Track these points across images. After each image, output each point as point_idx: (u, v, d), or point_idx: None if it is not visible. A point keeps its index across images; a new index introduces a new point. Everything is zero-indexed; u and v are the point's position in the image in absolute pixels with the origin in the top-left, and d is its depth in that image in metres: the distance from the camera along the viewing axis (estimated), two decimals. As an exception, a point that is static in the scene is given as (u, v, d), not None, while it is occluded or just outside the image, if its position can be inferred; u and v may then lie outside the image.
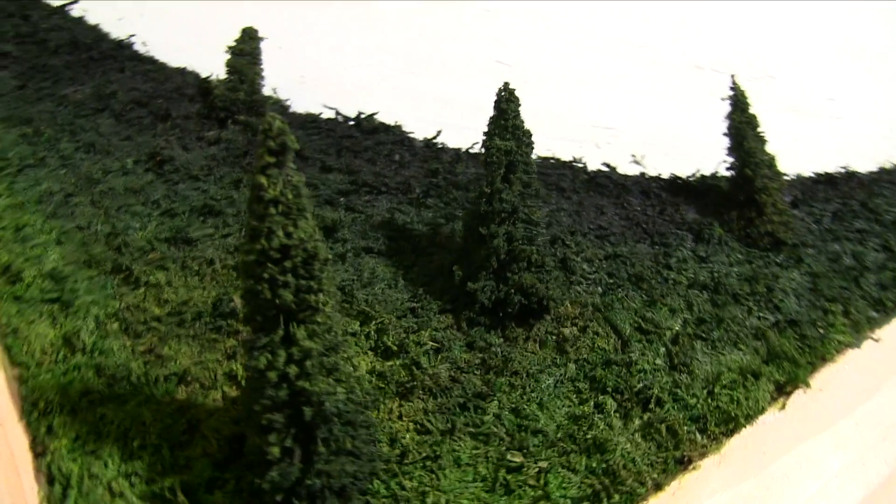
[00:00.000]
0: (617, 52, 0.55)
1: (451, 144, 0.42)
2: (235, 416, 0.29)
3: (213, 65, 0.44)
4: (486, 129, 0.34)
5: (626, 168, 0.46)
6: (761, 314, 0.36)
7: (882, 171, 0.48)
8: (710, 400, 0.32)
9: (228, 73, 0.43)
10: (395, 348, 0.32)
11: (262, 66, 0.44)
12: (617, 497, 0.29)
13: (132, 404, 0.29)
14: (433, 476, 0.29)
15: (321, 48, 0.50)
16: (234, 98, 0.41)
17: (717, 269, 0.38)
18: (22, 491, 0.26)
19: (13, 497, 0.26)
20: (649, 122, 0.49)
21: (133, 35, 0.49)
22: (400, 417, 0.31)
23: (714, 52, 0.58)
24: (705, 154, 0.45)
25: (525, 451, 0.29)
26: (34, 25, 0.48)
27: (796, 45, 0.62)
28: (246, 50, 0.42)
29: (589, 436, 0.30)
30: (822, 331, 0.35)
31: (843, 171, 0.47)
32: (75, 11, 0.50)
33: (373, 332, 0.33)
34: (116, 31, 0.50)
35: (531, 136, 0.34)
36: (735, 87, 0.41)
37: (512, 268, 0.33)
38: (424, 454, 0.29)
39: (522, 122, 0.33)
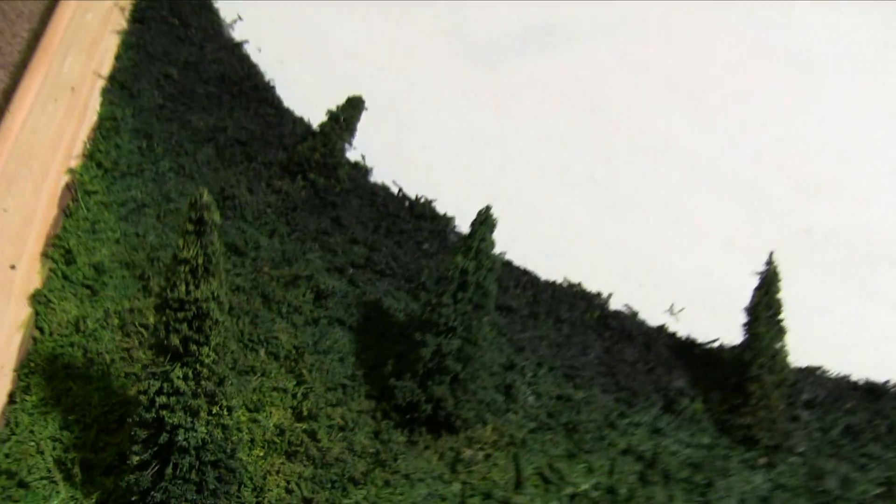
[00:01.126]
0: (697, 185, 0.51)
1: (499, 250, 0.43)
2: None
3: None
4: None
5: (655, 317, 0.43)
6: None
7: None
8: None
9: (316, 133, 0.48)
10: (306, 413, 0.35)
11: (353, 133, 0.49)
12: None
13: (92, 387, 0.35)
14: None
15: (435, 130, 0.53)
16: (309, 157, 0.47)
17: (666, 444, 0.34)
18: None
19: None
20: (708, 273, 0.45)
21: (274, 80, 0.57)
22: (277, 472, 0.33)
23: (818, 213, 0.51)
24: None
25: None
26: (203, 55, 0.58)
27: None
28: (343, 116, 0.48)
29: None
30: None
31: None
32: (250, 49, 0.60)
33: (299, 394, 0.36)
34: (271, 73, 0.58)
35: (499, 262, 0.34)
36: (771, 263, 0.37)
37: (435, 378, 0.34)
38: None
39: (491, 245, 0.34)
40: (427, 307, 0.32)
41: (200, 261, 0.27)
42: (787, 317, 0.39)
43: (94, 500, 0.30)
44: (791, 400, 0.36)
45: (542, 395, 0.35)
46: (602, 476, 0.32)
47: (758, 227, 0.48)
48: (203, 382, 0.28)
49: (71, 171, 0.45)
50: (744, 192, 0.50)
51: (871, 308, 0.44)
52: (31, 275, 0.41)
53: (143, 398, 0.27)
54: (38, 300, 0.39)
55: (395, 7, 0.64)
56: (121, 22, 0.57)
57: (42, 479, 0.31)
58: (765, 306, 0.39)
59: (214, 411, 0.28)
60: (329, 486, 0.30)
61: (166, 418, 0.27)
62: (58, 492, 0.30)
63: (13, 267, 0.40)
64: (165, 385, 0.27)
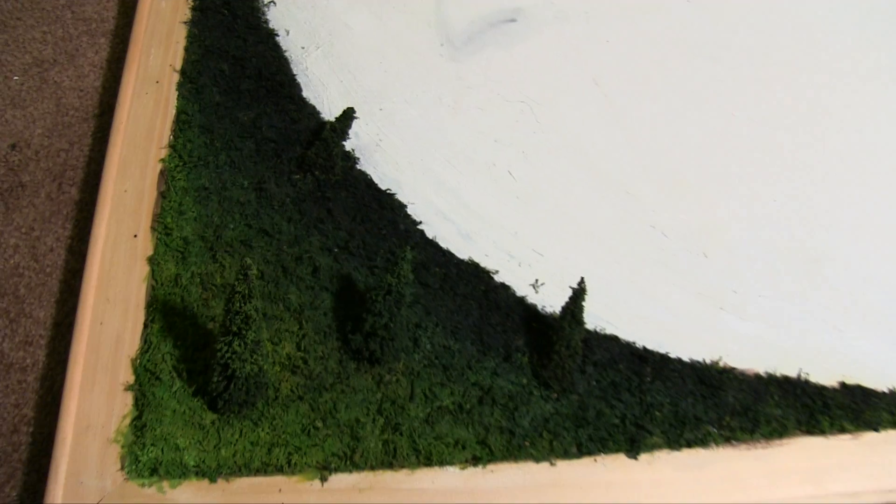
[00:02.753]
0: (585, 183, 0.64)
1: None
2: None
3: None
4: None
5: (524, 290, 0.63)
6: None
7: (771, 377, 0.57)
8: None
9: (318, 141, 0.66)
10: (303, 347, 0.58)
11: (346, 137, 0.66)
12: None
13: (187, 322, 0.57)
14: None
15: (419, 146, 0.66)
16: (314, 159, 0.65)
17: (499, 382, 0.57)
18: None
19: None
20: (568, 258, 0.61)
21: (297, 67, 0.73)
22: (286, 381, 0.58)
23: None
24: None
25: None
26: (246, 49, 0.74)
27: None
28: (339, 126, 0.65)
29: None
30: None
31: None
32: (281, 38, 0.75)
33: (300, 335, 0.59)
34: (294, 58, 0.74)
35: (410, 280, 0.54)
36: (582, 283, 0.56)
37: (371, 335, 0.57)
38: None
39: (408, 271, 0.54)
40: (370, 298, 0.55)
41: (246, 292, 0.50)
42: (624, 294, 0.61)
43: (192, 390, 0.56)
44: (584, 358, 0.59)
45: (435, 344, 0.58)
46: (458, 397, 0.56)
47: (619, 221, 0.66)
48: (248, 347, 0.52)
49: (162, 160, 0.66)
50: (615, 190, 0.68)
51: (677, 293, 0.64)
52: (145, 242, 0.63)
53: (217, 353, 0.52)
54: (152, 261, 0.62)
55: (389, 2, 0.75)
56: (186, 11, 0.74)
57: (167, 374, 0.57)
58: (563, 312, 0.59)
59: (253, 359, 0.53)
60: (312, 390, 0.56)
61: (230, 363, 0.52)
62: (173, 383, 0.56)
63: (135, 236, 0.64)
64: (228, 348, 0.52)
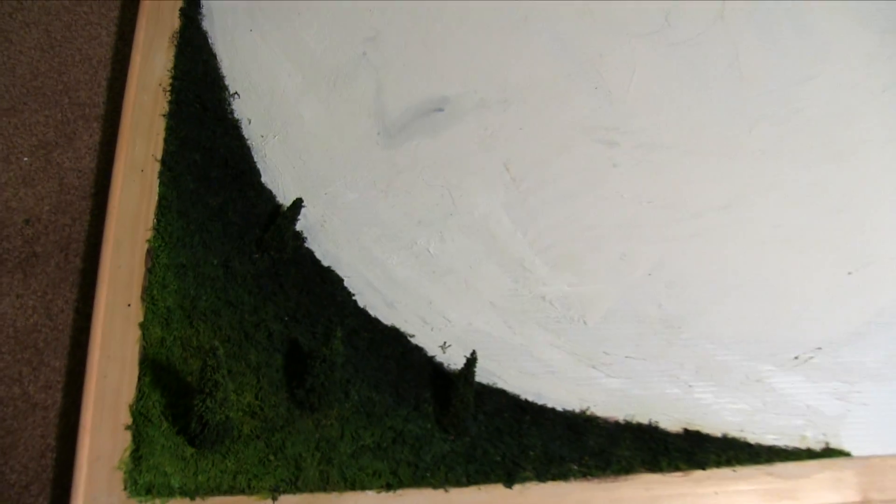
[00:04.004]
0: (488, 256, 0.86)
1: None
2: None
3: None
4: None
5: (434, 350, 0.87)
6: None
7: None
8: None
9: (273, 223, 0.88)
10: (259, 396, 0.83)
11: (295, 223, 0.88)
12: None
13: (171, 375, 0.82)
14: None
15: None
16: (269, 242, 0.87)
17: (408, 426, 0.81)
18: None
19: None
20: (472, 323, 0.83)
21: (259, 159, 0.94)
22: (246, 424, 0.83)
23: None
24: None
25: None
26: (215, 139, 0.95)
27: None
28: (289, 215, 0.87)
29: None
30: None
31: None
32: (244, 127, 0.96)
33: (257, 386, 0.81)
34: (255, 145, 0.95)
35: (340, 351, 0.78)
36: (473, 356, 0.79)
37: (311, 391, 0.81)
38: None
39: (340, 347, 0.77)
40: (310, 363, 0.78)
41: (215, 365, 0.73)
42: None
43: (176, 430, 0.80)
44: (477, 407, 0.82)
45: (360, 396, 0.80)
46: (377, 437, 0.78)
47: (514, 293, 0.89)
48: (217, 403, 0.76)
49: (148, 240, 0.88)
50: (514, 265, 0.90)
51: (558, 353, 0.86)
52: (137, 311, 0.86)
53: (195, 407, 0.76)
54: (143, 326, 0.85)
55: (335, 93, 0.94)
56: (164, 105, 0.95)
57: (157, 417, 0.81)
58: (459, 375, 0.81)
59: (221, 411, 0.77)
60: (267, 431, 0.80)
61: (204, 415, 0.76)
62: (161, 424, 0.80)
63: (129, 305, 0.87)
64: (203, 405, 0.75)
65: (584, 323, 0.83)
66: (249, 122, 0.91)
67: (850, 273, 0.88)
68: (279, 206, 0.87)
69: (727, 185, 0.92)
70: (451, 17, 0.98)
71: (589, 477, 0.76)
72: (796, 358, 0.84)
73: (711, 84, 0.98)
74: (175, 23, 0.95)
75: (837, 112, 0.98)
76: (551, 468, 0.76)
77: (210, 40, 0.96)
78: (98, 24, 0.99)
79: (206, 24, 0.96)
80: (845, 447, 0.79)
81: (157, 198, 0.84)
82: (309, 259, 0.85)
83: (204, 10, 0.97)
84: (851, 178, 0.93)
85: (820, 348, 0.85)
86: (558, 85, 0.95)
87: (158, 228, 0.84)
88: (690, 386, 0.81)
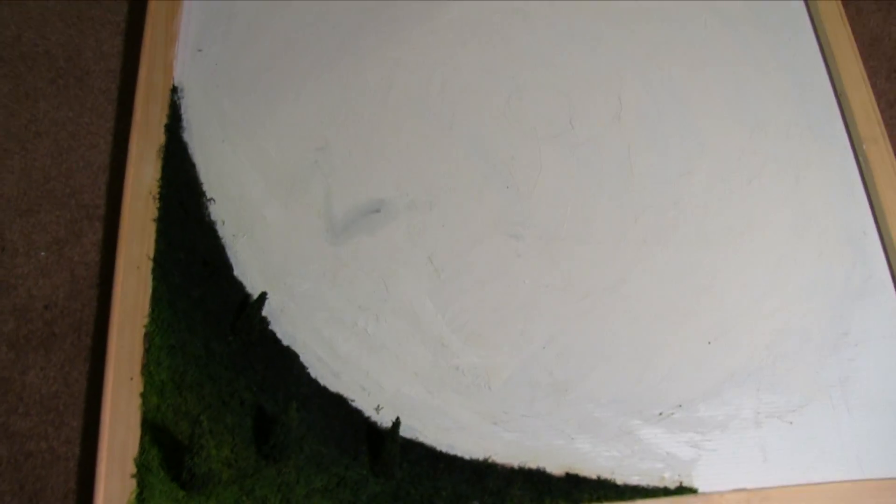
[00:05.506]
0: (414, 336, 1.21)
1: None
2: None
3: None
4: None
5: (370, 412, 1.23)
6: None
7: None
8: None
9: (243, 310, 1.21)
10: (234, 452, 1.17)
11: (260, 312, 1.22)
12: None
13: (168, 444, 1.18)
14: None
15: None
16: (239, 328, 1.21)
17: (350, 473, 1.16)
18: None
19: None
20: (401, 392, 1.12)
21: (231, 255, 1.27)
22: (223, 473, 1.18)
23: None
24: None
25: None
26: (195, 241, 1.28)
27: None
28: (255, 305, 1.21)
29: None
30: None
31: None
32: (219, 227, 1.30)
33: (232, 445, 1.17)
34: (231, 247, 1.29)
35: (295, 421, 1.13)
36: (398, 420, 1.14)
37: (272, 452, 1.16)
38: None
39: (294, 420, 1.12)
40: (272, 428, 1.13)
41: (199, 435, 1.08)
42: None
43: (171, 477, 1.14)
44: (402, 457, 1.14)
45: (312, 449, 1.11)
46: (324, 482, 1.10)
47: (433, 364, 1.23)
48: (203, 461, 1.10)
49: (145, 326, 1.21)
50: (433, 342, 1.23)
51: (467, 413, 1.21)
52: (137, 383, 1.15)
53: (185, 463, 1.10)
54: (143, 395, 1.15)
55: (292, 197, 1.19)
56: (154, 210, 1.28)
57: (156, 468, 1.15)
58: (387, 433, 1.16)
59: (205, 465, 1.12)
60: (240, 478, 1.14)
61: (192, 469, 1.11)
62: (159, 474, 1.14)
63: (132, 378, 1.20)
64: (191, 462, 1.10)
65: (489, 388, 1.15)
66: (223, 224, 1.23)
67: (709, 342, 1.22)
68: (248, 295, 1.19)
69: (612, 269, 1.25)
70: (388, 128, 1.31)
71: (487, 512, 1.08)
72: (660, 414, 1.18)
73: (605, 180, 1.31)
74: (161, 137, 1.28)
75: (709, 203, 1.31)
76: (458, 504, 1.09)
77: (189, 150, 1.29)
78: (97, 133, 1.32)
79: (185, 136, 1.29)
80: (695, 485, 1.13)
81: (150, 290, 1.16)
82: (272, 339, 1.19)
83: (184, 123, 1.30)
84: (716, 261, 1.26)
85: (680, 405, 1.18)
86: (475, 185, 1.26)
87: (152, 316, 1.16)
88: (573, 438, 1.13)
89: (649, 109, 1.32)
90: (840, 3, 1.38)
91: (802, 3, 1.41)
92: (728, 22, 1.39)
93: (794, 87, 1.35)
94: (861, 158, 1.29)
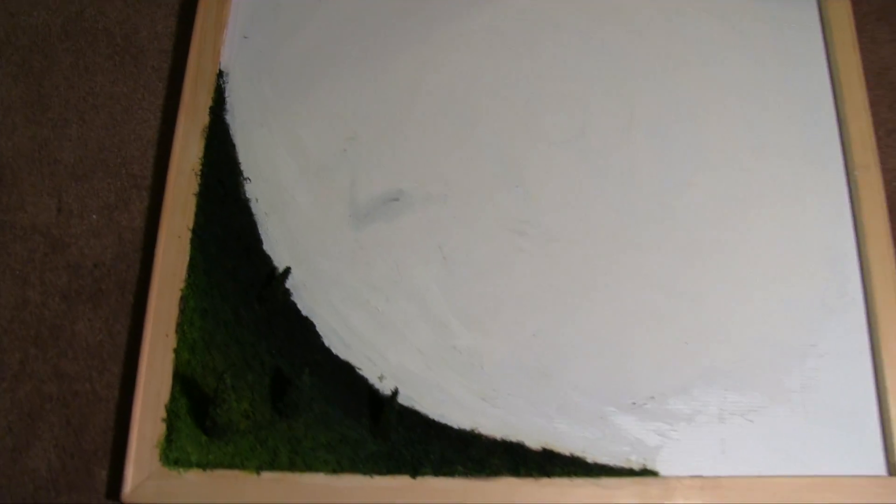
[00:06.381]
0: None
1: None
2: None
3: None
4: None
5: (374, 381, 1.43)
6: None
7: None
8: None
9: (269, 283, 1.43)
10: (252, 405, 1.40)
11: (285, 285, 1.43)
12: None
13: (198, 392, 1.41)
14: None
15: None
16: (266, 296, 1.42)
17: (345, 430, 1.38)
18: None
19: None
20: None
21: (262, 232, 1.49)
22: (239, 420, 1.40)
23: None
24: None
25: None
26: (231, 216, 1.50)
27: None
28: (280, 278, 1.43)
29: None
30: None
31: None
32: (252, 204, 1.51)
33: (251, 399, 1.40)
34: (263, 224, 1.52)
35: (307, 382, 1.35)
36: None
37: (287, 409, 1.37)
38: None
39: (306, 384, 1.34)
40: (286, 390, 1.35)
41: (223, 387, 1.31)
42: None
43: (195, 423, 1.37)
44: (398, 422, 1.36)
45: (320, 408, 1.36)
46: (328, 438, 1.25)
47: (434, 344, 1.41)
48: (224, 410, 1.33)
49: (181, 289, 1.41)
50: (436, 324, 1.43)
51: (460, 389, 1.43)
52: (172, 339, 1.32)
53: (209, 413, 1.33)
54: (175, 351, 1.36)
55: (320, 182, 1.32)
56: (196, 185, 1.50)
57: (183, 414, 1.38)
58: (385, 400, 1.38)
59: (227, 416, 1.35)
60: (256, 429, 1.37)
61: (214, 416, 1.33)
62: (186, 419, 1.38)
63: (167, 335, 1.43)
64: (214, 412, 1.33)
65: (482, 368, 1.31)
66: (257, 202, 1.44)
67: (686, 343, 1.41)
68: (275, 269, 1.38)
69: (605, 270, 1.42)
70: (413, 124, 1.48)
71: (469, 476, 1.32)
72: (633, 403, 1.36)
73: (609, 187, 1.49)
74: (206, 118, 1.50)
75: (704, 214, 1.48)
76: (444, 468, 1.26)
77: (231, 132, 1.50)
78: (149, 109, 1.53)
79: (228, 118, 1.51)
80: (657, 469, 1.28)
81: (188, 258, 1.36)
82: (293, 310, 1.36)
83: (227, 106, 1.52)
84: (704, 270, 1.37)
85: (652, 397, 1.36)
86: (488, 184, 1.42)
87: (188, 281, 1.34)
88: (552, 418, 1.27)
89: (659, 123, 1.48)
90: (854, 31, 1.53)
91: (820, 31, 1.57)
92: (748, 43, 1.55)
93: (801, 111, 1.51)
94: (852, 184, 1.45)
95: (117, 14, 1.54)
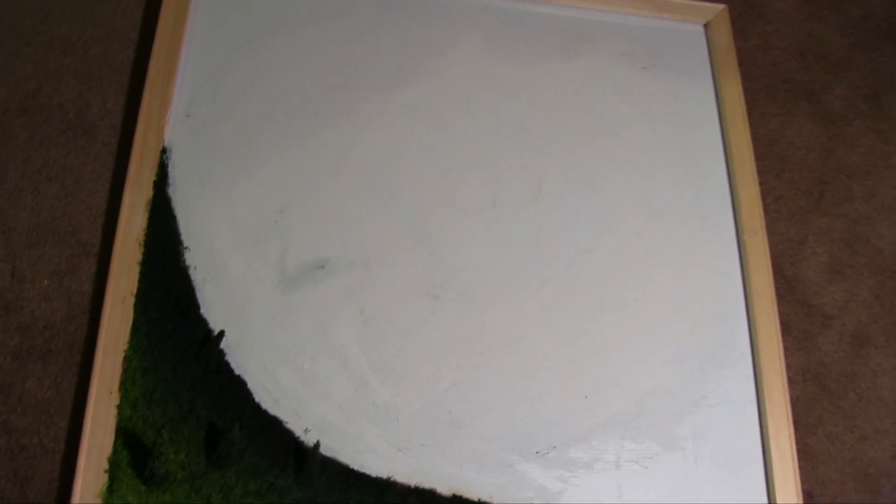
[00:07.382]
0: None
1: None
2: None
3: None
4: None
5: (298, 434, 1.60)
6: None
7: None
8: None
9: (205, 344, 1.60)
10: (187, 458, 1.58)
11: (219, 346, 1.62)
12: None
13: (130, 442, 1.59)
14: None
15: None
16: (202, 356, 1.61)
17: (272, 478, 1.55)
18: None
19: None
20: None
21: (199, 297, 1.68)
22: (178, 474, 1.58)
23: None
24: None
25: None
26: (171, 284, 1.67)
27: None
28: (215, 340, 1.61)
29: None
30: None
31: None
32: (191, 272, 1.70)
33: (188, 451, 1.57)
34: (200, 290, 1.70)
35: (238, 438, 1.53)
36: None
37: (222, 462, 1.53)
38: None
39: (238, 438, 1.52)
40: (219, 444, 1.53)
41: (161, 441, 1.49)
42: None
43: (136, 473, 1.54)
44: (320, 470, 1.53)
45: (250, 459, 1.55)
46: (257, 486, 1.48)
47: (357, 401, 1.61)
48: (161, 462, 1.51)
49: (125, 351, 1.61)
50: (358, 380, 1.64)
51: (378, 440, 1.62)
52: (115, 396, 1.58)
53: (148, 465, 1.51)
54: (118, 407, 1.58)
55: (253, 251, 1.61)
56: (139, 255, 1.69)
57: (125, 465, 1.55)
58: (309, 452, 1.55)
59: (164, 467, 1.52)
60: (192, 478, 1.54)
61: (153, 469, 1.51)
62: (127, 470, 1.55)
63: (111, 392, 1.61)
64: (154, 464, 1.50)
65: (398, 420, 1.48)
66: (195, 269, 1.59)
67: (586, 396, 1.60)
68: (210, 331, 1.54)
69: (512, 329, 1.61)
70: (339, 196, 1.65)
71: (393, 518, 1.42)
72: (537, 452, 1.53)
73: (517, 253, 1.68)
74: (150, 192, 1.69)
75: (606, 277, 1.67)
76: (367, 513, 1.44)
77: (172, 204, 1.69)
78: (98, 181, 1.72)
79: (170, 191, 1.70)
80: None
81: (132, 321, 1.49)
82: (226, 368, 1.54)
83: (170, 180, 1.71)
84: (605, 328, 1.58)
85: (555, 447, 1.54)
86: (406, 250, 1.49)
87: (131, 342, 1.43)
88: (461, 466, 1.37)
89: (564, 192, 1.67)
90: (744, 106, 1.75)
91: (714, 105, 1.79)
92: (647, 117, 1.73)
93: (695, 180, 1.71)
94: (741, 247, 1.66)
95: (70, 91, 1.73)
